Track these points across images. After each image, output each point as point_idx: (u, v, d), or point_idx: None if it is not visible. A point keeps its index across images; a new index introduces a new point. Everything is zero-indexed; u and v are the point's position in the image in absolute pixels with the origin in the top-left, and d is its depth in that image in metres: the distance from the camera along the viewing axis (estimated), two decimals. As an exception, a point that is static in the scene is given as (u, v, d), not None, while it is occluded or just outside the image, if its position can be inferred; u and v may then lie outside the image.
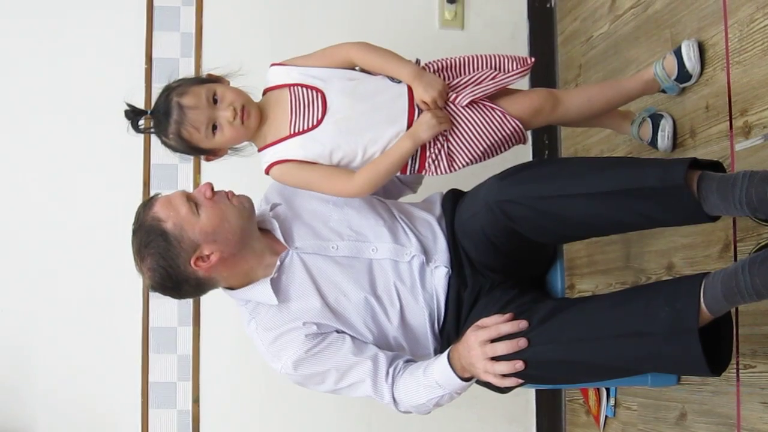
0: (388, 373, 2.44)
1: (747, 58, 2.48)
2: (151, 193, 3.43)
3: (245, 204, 2.51)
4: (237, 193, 2.53)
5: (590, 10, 3.44)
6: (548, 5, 3.80)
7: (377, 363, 2.45)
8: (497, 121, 2.53)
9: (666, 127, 2.77)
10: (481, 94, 2.52)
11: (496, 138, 2.55)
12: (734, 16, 2.53)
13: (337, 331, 2.49)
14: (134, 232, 2.46)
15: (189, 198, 2.45)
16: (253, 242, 2.50)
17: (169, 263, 2.41)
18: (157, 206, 2.43)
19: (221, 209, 2.44)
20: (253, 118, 2.49)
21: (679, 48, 2.66)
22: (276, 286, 2.48)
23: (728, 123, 2.55)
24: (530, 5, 3.81)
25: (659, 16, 2.92)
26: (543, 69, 3.70)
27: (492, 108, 2.53)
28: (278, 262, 2.50)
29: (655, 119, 2.80)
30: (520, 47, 3.79)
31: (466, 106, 2.52)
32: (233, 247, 2.45)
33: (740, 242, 2.50)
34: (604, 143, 3.29)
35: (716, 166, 2.19)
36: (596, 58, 3.39)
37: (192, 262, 2.42)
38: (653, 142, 2.81)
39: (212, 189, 2.48)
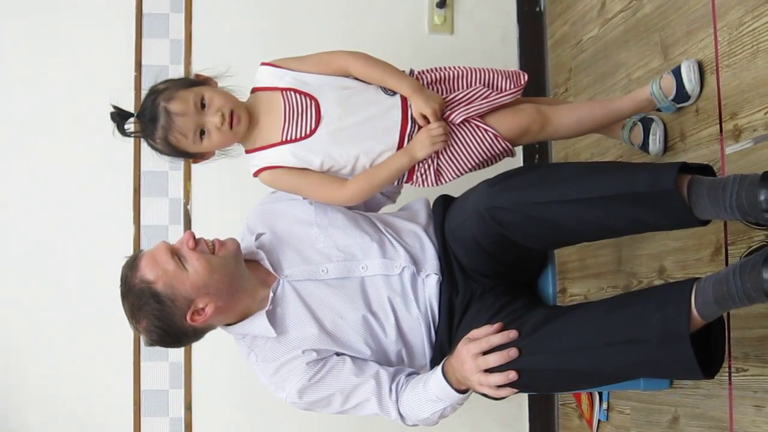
0: (391, 389, 2.44)
1: (736, 62, 2.48)
2: (142, 201, 3.45)
3: (231, 251, 2.46)
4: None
5: (580, 14, 3.44)
6: (538, 9, 3.80)
7: (380, 381, 2.44)
8: (488, 141, 2.54)
9: (657, 131, 2.77)
10: (474, 113, 2.52)
11: (485, 157, 2.58)
12: (723, 20, 2.53)
13: (337, 354, 2.48)
14: (123, 295, 2.42)
15: (173, 252, 2.39)
16: (243, 282, 2.46)
17: (166, 323, 2.39)
18: (143, 266, 2.38)
19: (207, 260, 2.39)
20: (242, 123, 2.48)
21: (678, 68, 2.64)
22: (272, 317, 2.46)
23: (718, 126, 2.56)
24: (520, 9, 3.81)
25: (648, 19, 2.92)
26: (533, 73, 3.69)
27: (485, 130, 2.53)
28: (271, 294, 2.48)
29: (646, 123, 2.81)
30: (510, 51, 3.79)
31: (458, 124, 2.52)
32: (226, 294, 2.41)
33: (731, 246, 2.50)
34: (594, 147, 3.29)
35: (706, 169, 2.18)
36: (586, 62, 3.39)
37: (188, 317, 2.39)
38: (644, 146, 2.81)
39: (194, 238, 2.42)
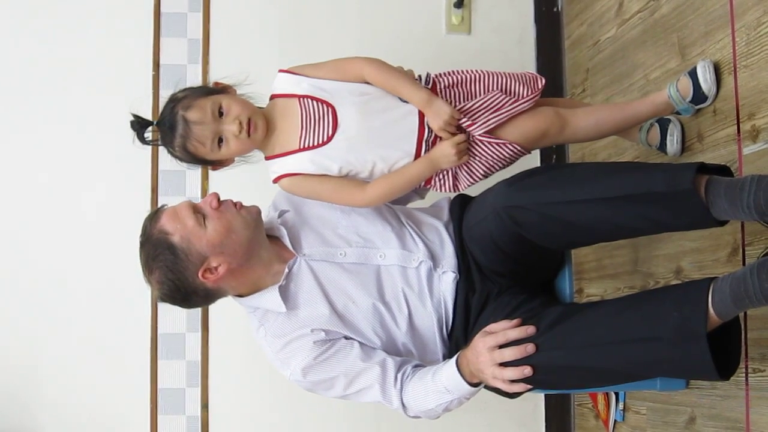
0: (396, 378, 2.44)
1: (754, 62, 2.47)
2: (159, 200, 3.47)
3: (252, 214, 2.50)
4: (246, 201, 2.52)
5: (597, 15, 3.44)
6: (555, 9, 3.80)
7: (385, 368, 2.45)
8: (502, 151, 2.54)
9: (674, 132, 2.77)
10: (494, 125, 2.51)
11: (501, 164, 2.59)
12: (741, 20, 2.53)
13: (346, 338, 2.49)
14: (141, 245, 2.46)
15: (195, 209, 2.44)
16: (260, 251, 2.49)
17: (178, 276, 2.42)
18: (163, 219, 2.43)
19: (228, 220, 2.43)
20: (260, 130, 2.49)
21: (694, 69, 2.64)
22: (284, 293, 2.49)
23: (736, 127, 2.55)
24: (537, 9, 3.81)
25: (666, 20, 2.92)
26: (550, 73, 3.69)
27: (498, 143, 2.53)
28: (286, 270, 2.51)
29: (663, 124, 2.80)
30: (527, 52, 3.79)
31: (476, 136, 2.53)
32: (241, 257, 2.44)
33: (748, 246, 2.50)
34: (611, 147, 3.29)
35: (724, 170, 2.18)
36: (603, 63, 3.39)
37: (200, 274, 2.42)
38: (662, 146, 2.81)
39: (218, 199, 2.47)
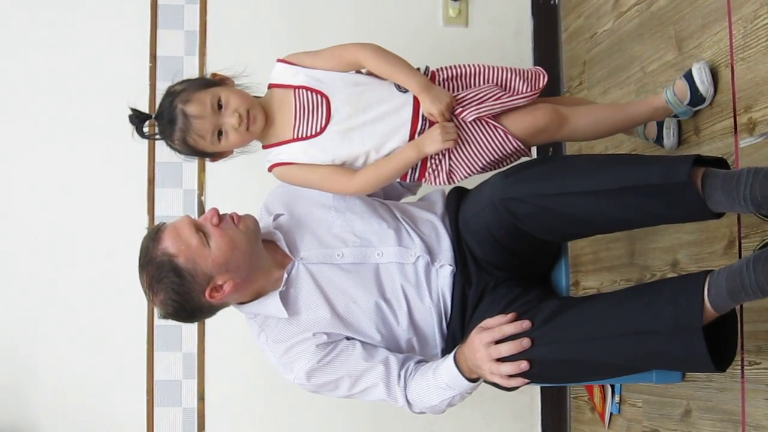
0: (399, 375, 2.44)
1: (751, 55, 2.47)
2: (156, 192, 3.46)
3: (251, 226, 2.48)
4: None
5: (594, 7, 3.44)
6: (552, 2, 3.80)
7: (389, 366, 2.45)
8: (499, 140, 2.51)
9: (671, 125, 2.77)
10: (486, 113, 2.49)
11: (497, 156, 2.54)
12: (738, 13, 2.52)
13: (347, 338, 2.49)
14: (143, 266, 2.42)
15: (197, 227, 2.41)
16: (260, 262, 2.48)
17: (184, 297, 2.40)
18: (165, 239, 2.38)
19: (230, 237, 2.41)
20: (258, 122, 2.47)
21: (690, 72, 2.63)
22: (285, 298, 2.48)
23: (732, 120, 2.55)
24: (534, 2, 3.80)
25: (663, 13, 2.91)
26: (547, 66, 3.67)
27: (494, 126, 2.50)
28: (285, 275, 2.50)
29: (660, 117, 2.80)
30: (524, 44, 3.79)
31: (470, 122, 2.50)
32: (244, 272, 2.43)
33: (745, 239, 2.50)
34: (608, 140, 3.29)
35: (720, 162, 2.18)
36: (600, 55, 3.39)
37: (207, 294, 2.41)
38: (659, 140, 2.81)
39: (218, 215, 2.44)
